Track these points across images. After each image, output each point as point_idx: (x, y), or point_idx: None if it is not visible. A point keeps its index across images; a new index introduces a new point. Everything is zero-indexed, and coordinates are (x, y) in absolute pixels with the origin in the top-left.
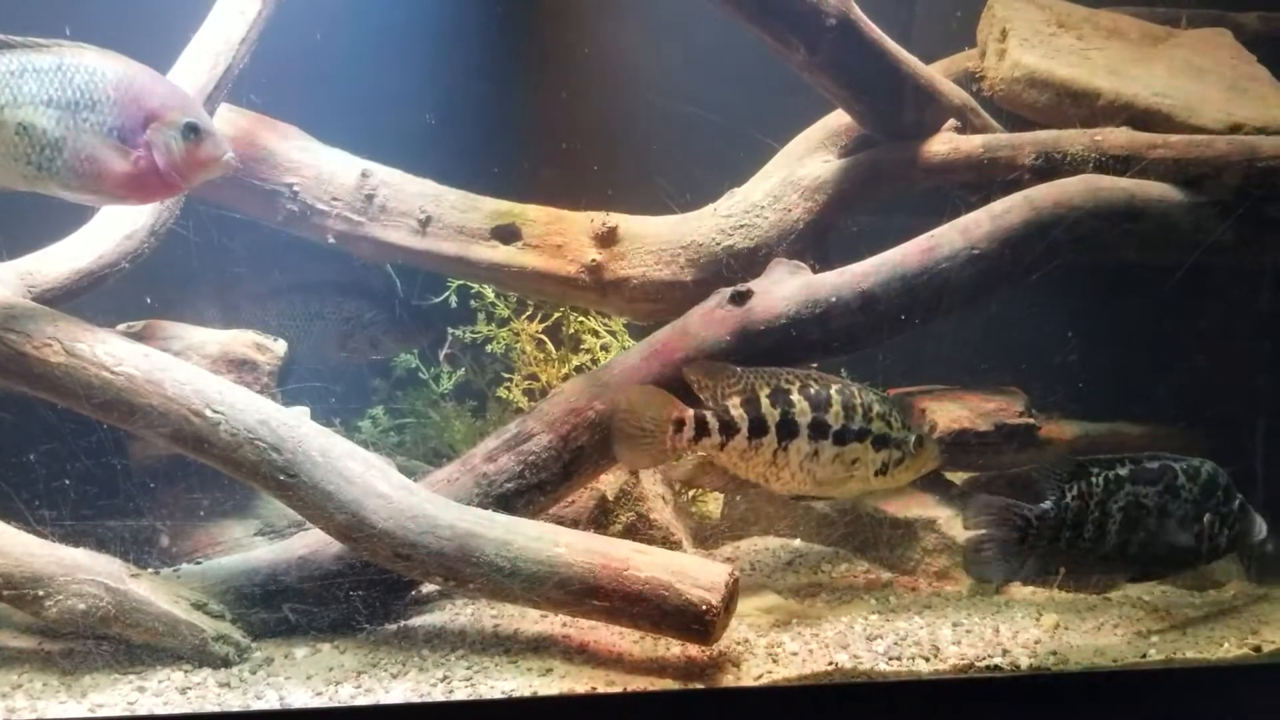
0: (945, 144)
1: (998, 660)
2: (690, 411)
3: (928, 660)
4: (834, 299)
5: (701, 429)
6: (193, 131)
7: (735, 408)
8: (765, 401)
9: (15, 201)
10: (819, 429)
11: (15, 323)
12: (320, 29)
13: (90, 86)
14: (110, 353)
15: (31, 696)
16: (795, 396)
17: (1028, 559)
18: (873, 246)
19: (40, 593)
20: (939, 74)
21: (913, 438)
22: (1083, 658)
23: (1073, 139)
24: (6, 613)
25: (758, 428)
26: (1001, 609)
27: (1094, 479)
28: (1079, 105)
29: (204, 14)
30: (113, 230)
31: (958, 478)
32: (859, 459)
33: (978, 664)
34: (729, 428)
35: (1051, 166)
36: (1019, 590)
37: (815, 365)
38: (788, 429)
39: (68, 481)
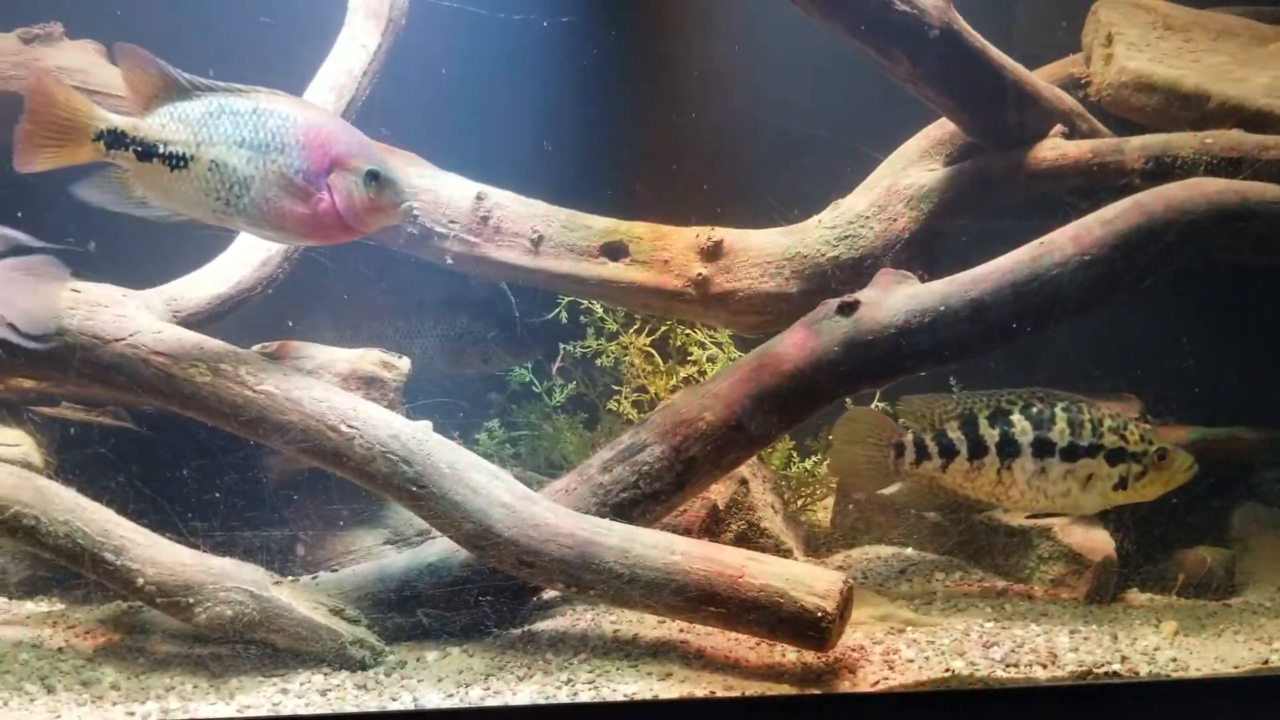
0: (1052, 150)
1: (1116, 667)
2: (909, 435)
3: (1045, 667)
4: (942, 308)
5: (922, 452)
6: (374, 179)
7: (953, 430)
8: (984, 423)
9: (159, 232)
10: (1044, 447)
11: (164, 345)
12: (436, 59)
13: (281, 131)
14: (252, 372)
15: (183, 698)
16: (1016, 416)
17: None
18: (983, 254)
19: (190, 600)
20: (1044, 80)
21: (1153, 450)
22: (1203, 664)
23: (1183, 142)
24: (159, 619)
25: (977, 449)
26: (1120, 616)
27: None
28: (1188, 108)
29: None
30: (250, 257)
31: None
32: (1093, 474)
33: (1096, 671)
34: (948, 450)
35: (1161, 170)
36: (1136, 597)
37: (923, 374)
38: (1009, 449)
39: (217, 495)
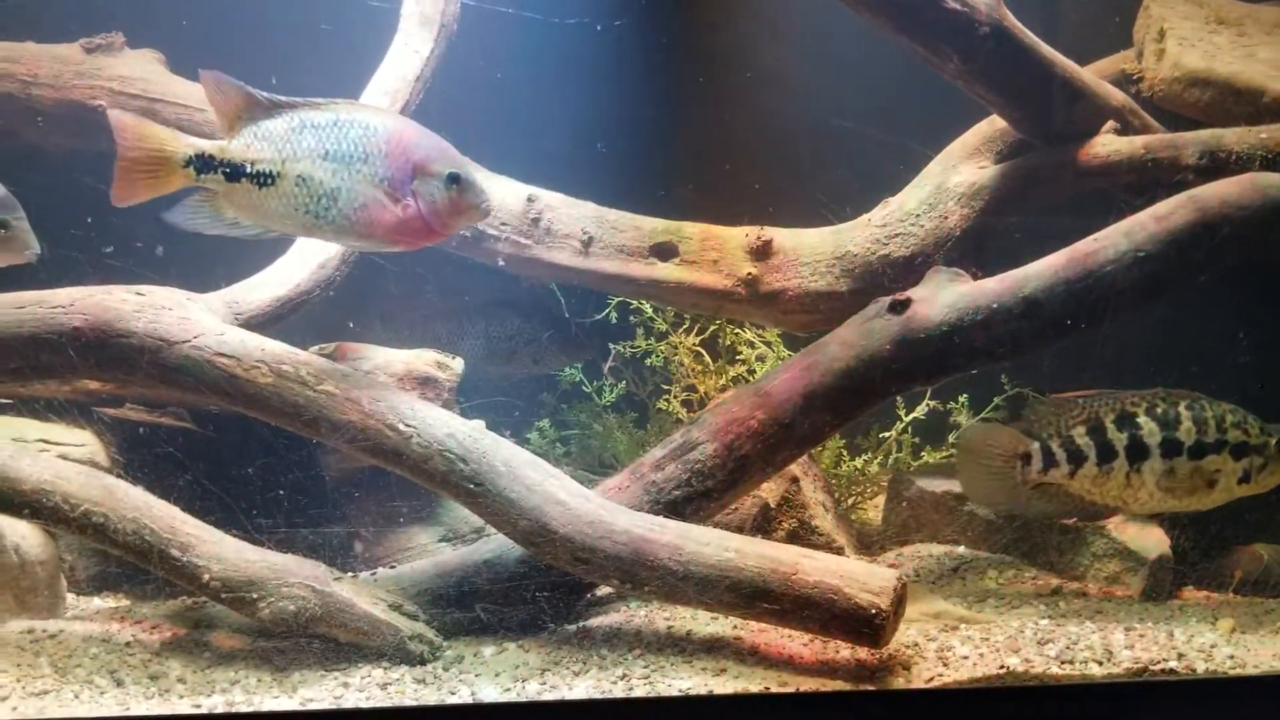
0: (1105, 146)
1: (1173, 664)
2: (1035, 444)
3: (1101, 664)
4: (995, 305)
5: (1049, 460)
6: (455, 182)
7: (1080, 436)
8: (1111, 427)
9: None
10: (1171, 447)
11: (227, 347)
12: (486, 63)
13: (363, 140)
14: (312, 373)
15: (247, 691)
16: (1142, 419)
17: None
18: (1035, 251)
19: (254, 595)
20: (1095, 76)
21: (1273, 441)
22: (1261, 661)
23: (1237, 137)
24: (224, 614)
25: (1106, 453)
26: (1175, 613)
27: None
28: (1243, 103)
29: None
30: (308, 260)
31: None
32: (1219, 470)
33: (1152, 668)
34: (1076, 456)
35: (1215, 166)
36: (1193, 594)
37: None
38: (1137, 451)
39: (280, 492)
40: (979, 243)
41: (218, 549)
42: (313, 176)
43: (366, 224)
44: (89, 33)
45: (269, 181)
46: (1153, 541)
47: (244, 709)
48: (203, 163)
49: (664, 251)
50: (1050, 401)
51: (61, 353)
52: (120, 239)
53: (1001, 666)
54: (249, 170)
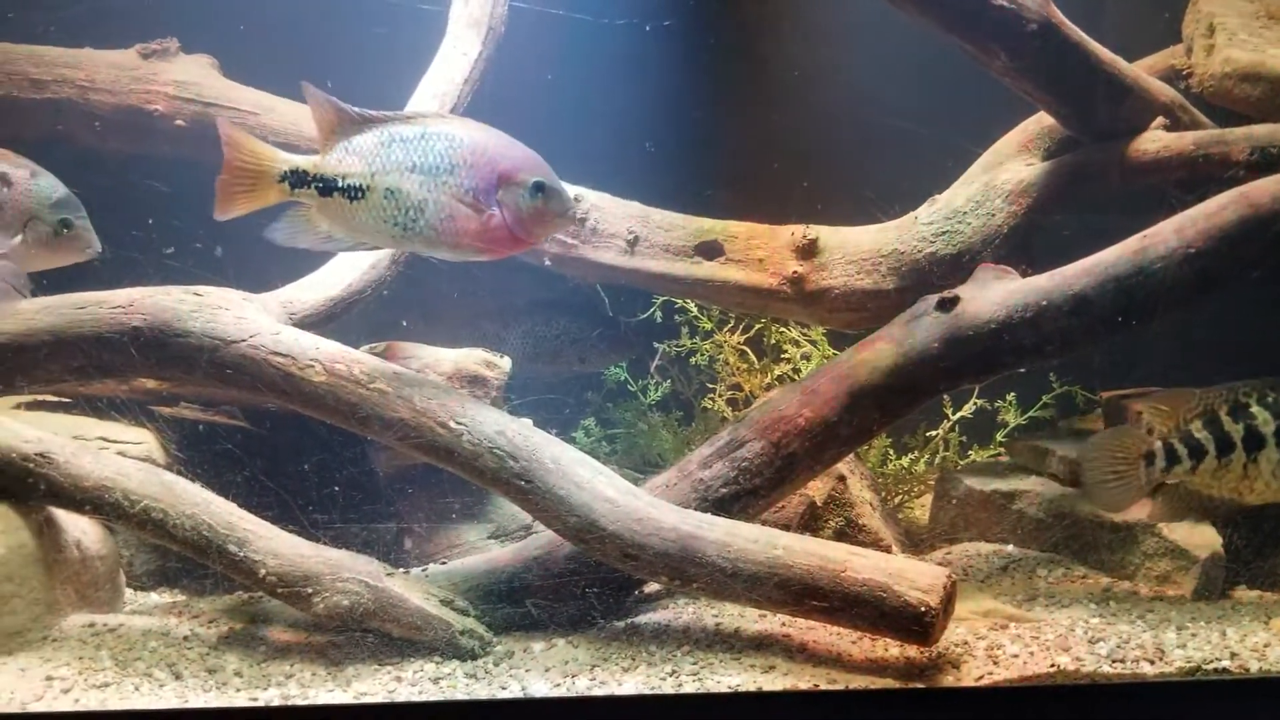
0: (1154, 142)
1: (1225, 663)
2: (1158, 443)
3: (1153, 663)
4: (1044, 302)
5: (1172, 457)
6: (540, 190)
7: (1199, 430)
8: (1226, 419)
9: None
10: None
11: (282, 347)
12: (533, 65)
13: (449, 152)
14: (365, 371)
15: (303, 685)
16: (1255, 409)
17: None
18: (1084, 248)
19: (309, 590)
20: (1144, 72)
21: None
22: None
23: None
24: (279, 609)
25: (1224, 445)
26: (1228, 613)
27: None
28: None
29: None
30: (360, 261)
31: None
32: None
33: (1205, 667)
34: (1197, 451)
35: (1267, 162)
36: (1245, 594)
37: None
38: (1254, 441)
39: (335, 489)
40: (1027, 240)
41: (273, 544)
42: (401, 189)
43: (454, 234)
44: (145, 39)
45: (359, 195)
46: (1204, 540)
47: (299, 702)
48: (297, 178)
49: (709, 250)
50: (1169, 396)
51: (123, 352)
52: (179, 240)
53: (1052, 665)
54: (340, 184)
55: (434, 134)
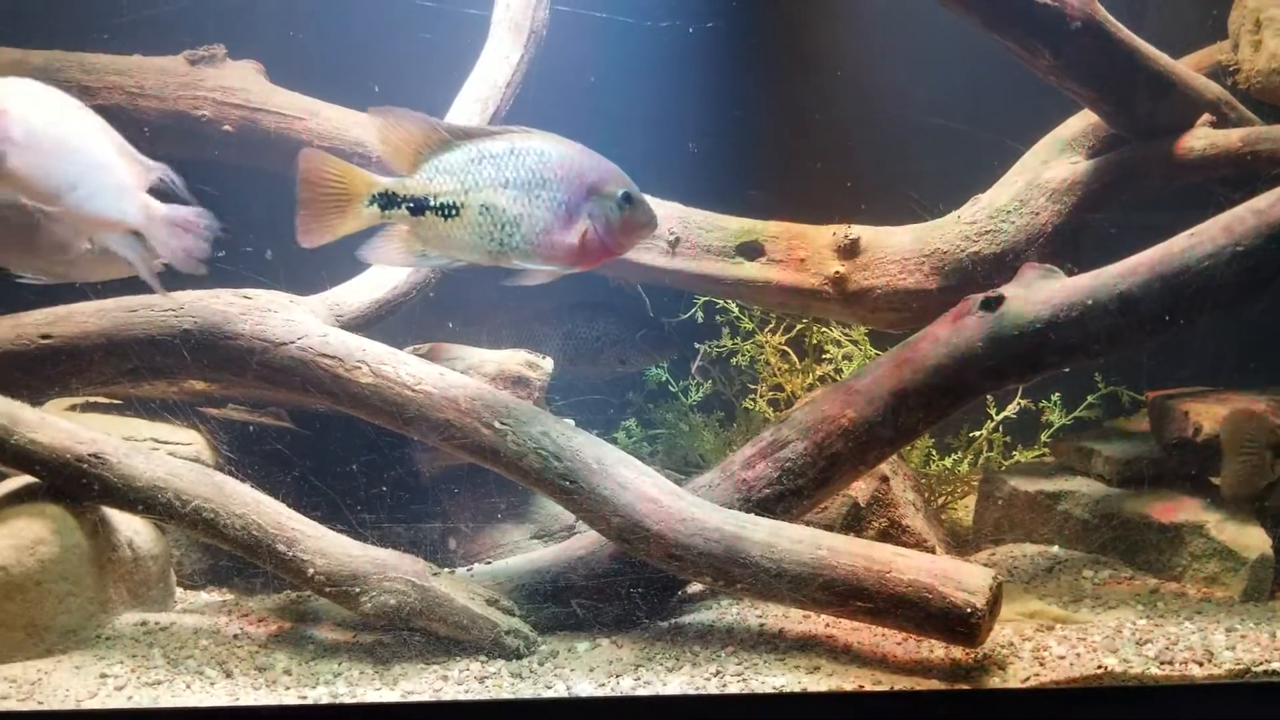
0: (1201, 139)
1: (1275, 665)
2: None
3: (1201, 665)
4: (1090, 301)
5: None
6: (628, 200)
7: None
8: None
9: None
10: None
11: (330, 348)
12: (575, 67)
13: (539, 166)
14: (411, 373)
15: (350, 683)
16: None
17: None
18: (1131, 246)
19: (357, 589)
20: (1190, 68)
21: None
22: None
23: None
24: (327, 607)
25: None
26: (1277, 614)
27: None
28: None
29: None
30: None
31: None
32: None
33: (1254, 669)
34: None
35: None
36: None
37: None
38: None
39: (383, 489)
40: (1072, 239)
41: (322, 544)
42: (495, 205)
43: (549, 248)
44: (193, 45)
45: (453, 213)
46: (1253, 541)
47: (347, 700)
48: (386, 200)
49: (750, 251)
50: None
51: (175, 354)
52: (228, 243)
53: (1099, 667)
54: (433, 204)
55: (523, 149)
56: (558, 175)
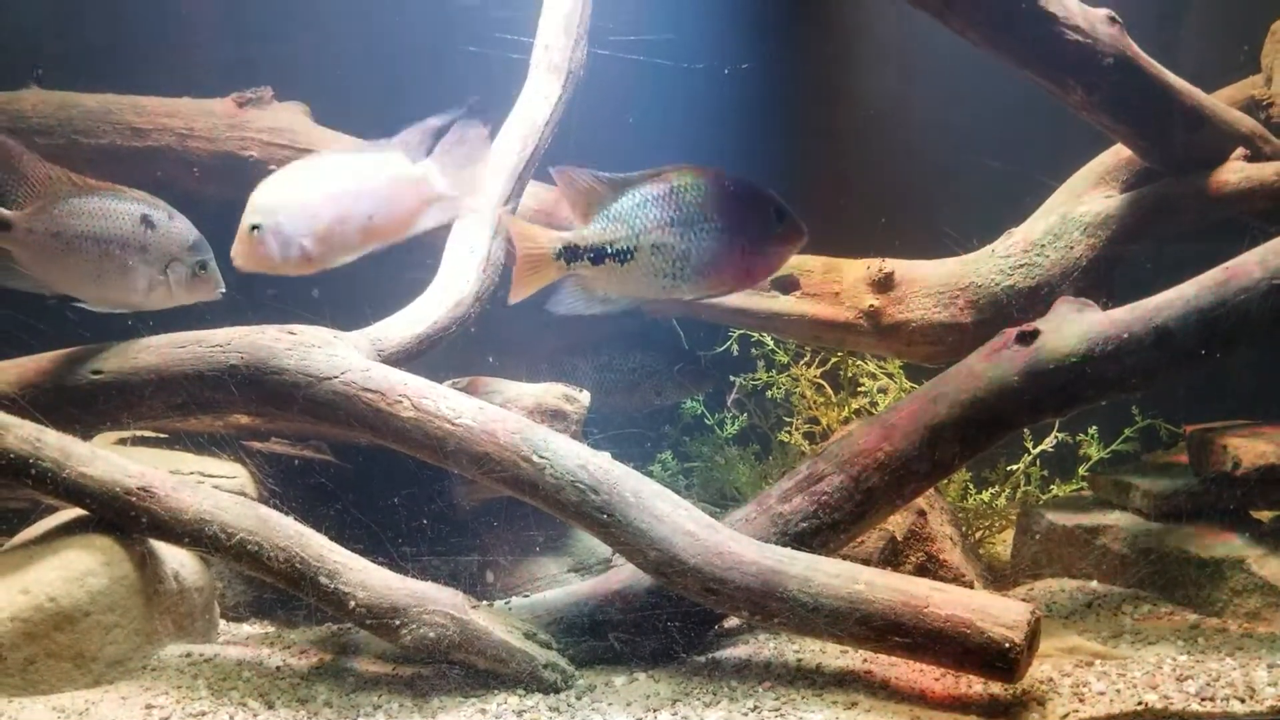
0: (1236, 173)
1: None
2: None
3: (1243, 701)
4: (1126, 335)
5: None
6: (781, 219)
7: None
8: None
9: (364, 278)
10: None
11: (372, 383)
12: (614, 106)
13: (699, 201)
14: (451, 407)
15: (390, 716)
16: None
17: None
18: (1167, 281)
19: (397, 622)
20: (1223, 102)
21: None
22: None
23: None
24: (367, 640)
25: None
26: None
27: None
28: None
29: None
30: (444, 298)
31: (1265, 516)
32: None
33: None
34: None
35: None
36: None
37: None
38: None
39: (423, 521)
40: (1108, 272)
41: (363, 577)
42: (665, 244)
43: (717, 274)
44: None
45: (629, 257)
46: None
47: None
48: (570, 253)
49: (785, 284)
50: None
51: (222, 388)
52: (279, 282)
53: (1140, 703)
54: (610, 251)
55: (680, 187)
56: (715, 205)
